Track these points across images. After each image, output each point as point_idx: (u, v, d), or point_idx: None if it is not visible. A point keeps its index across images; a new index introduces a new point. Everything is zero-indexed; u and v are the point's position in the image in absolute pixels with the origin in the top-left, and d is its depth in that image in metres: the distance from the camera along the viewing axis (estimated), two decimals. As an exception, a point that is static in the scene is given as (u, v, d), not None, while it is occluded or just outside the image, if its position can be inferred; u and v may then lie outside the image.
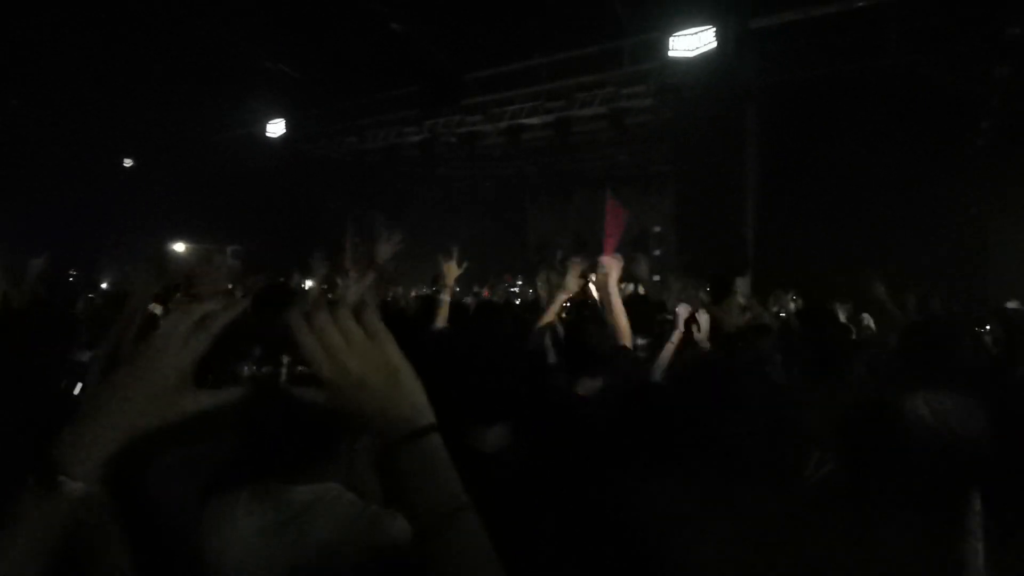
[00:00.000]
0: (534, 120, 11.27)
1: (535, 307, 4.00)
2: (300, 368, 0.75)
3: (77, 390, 2.31)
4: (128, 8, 8.96)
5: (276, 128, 12.40)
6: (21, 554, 0.65)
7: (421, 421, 0.75)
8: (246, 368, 0.77)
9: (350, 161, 13.85)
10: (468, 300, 9.40)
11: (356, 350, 0.74)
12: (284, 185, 13.10)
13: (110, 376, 0.73)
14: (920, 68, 8.62)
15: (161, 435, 0.73)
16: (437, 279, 3.98)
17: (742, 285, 8.78)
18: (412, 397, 0.76)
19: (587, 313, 3.47)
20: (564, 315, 3.84)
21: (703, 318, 3.17)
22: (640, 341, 3.58)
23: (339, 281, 3.62)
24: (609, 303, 2.89)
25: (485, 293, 10.19)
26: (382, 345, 0.76)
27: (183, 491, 1.49)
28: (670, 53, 8.54)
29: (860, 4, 7.96)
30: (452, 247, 3.99)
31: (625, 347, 2.76)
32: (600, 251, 15.82)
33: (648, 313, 3.61)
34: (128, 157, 13.60)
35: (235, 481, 1.36)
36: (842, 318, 5.85)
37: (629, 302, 3.94)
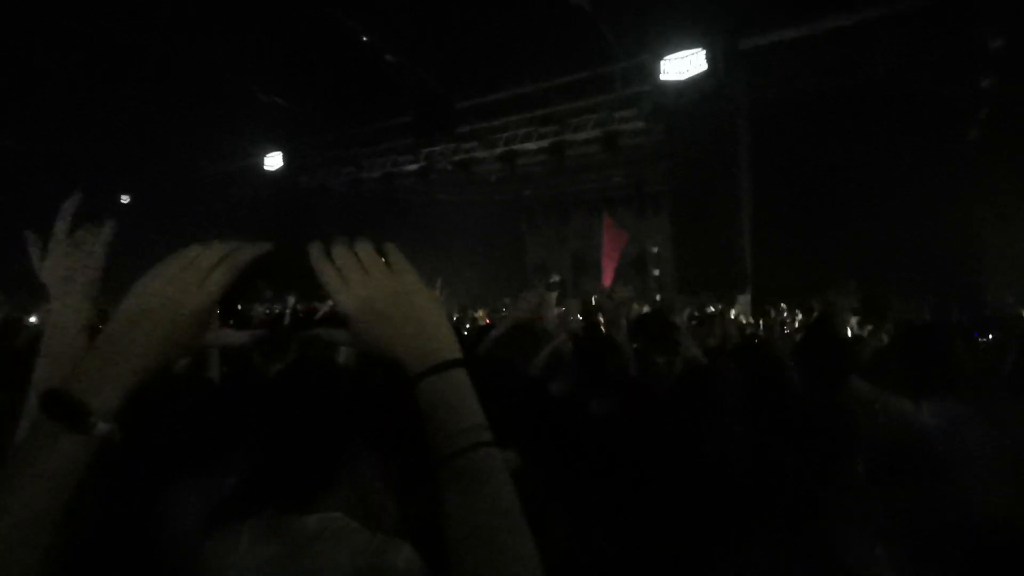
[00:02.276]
0: (529, 145, 11.38)
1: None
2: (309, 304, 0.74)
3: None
4: (124, 44, 9.10)
5: (274, 161, 12.52)
6: (41, 492, 0.61)
7: (444, 355, 0.72)
8: (263, 309, 0.75)
9: (348, 191, 13.95)
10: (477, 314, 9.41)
11: (377, 281, 0.72)
12: (283, 217, 13.18)
13: (128, 311, 0.68)
14: (908, 81, 8.75)
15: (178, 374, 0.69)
16: None
17: (743, 301, 8.79)
18: (435, 331, 0.73)
19: (600, 335, 3.45)
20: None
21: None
22: (659, 359, 3.57)
23: (317, 305, 3.63)
24: (618, 331, 2.89)
25: (485, 319, 10.17)
26: (403, 277, 0.74)
27: (190, 519, 1.48)
28: (661, 76, 8.67)
29: (847, 21, 8.11)
30: (436, 278, 4.02)
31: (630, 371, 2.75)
32: (599, 272, 15.90)
33: (663, 332, 3.59)
34: (125, 193, 13.69)
35: (240, 510, 1.35)
36: (851, 330, 5.85)
37: (644, 321, 3.94)
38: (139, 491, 1.68)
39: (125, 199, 13.73)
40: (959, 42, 8.16)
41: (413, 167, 12.74)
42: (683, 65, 8.43)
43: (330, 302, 0.76)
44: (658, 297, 12.43)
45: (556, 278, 14.41)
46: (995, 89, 8.65)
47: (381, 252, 0.74)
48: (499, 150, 11.61)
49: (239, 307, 0.77)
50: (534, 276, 17.04)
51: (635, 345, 3.57)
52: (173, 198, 12.87)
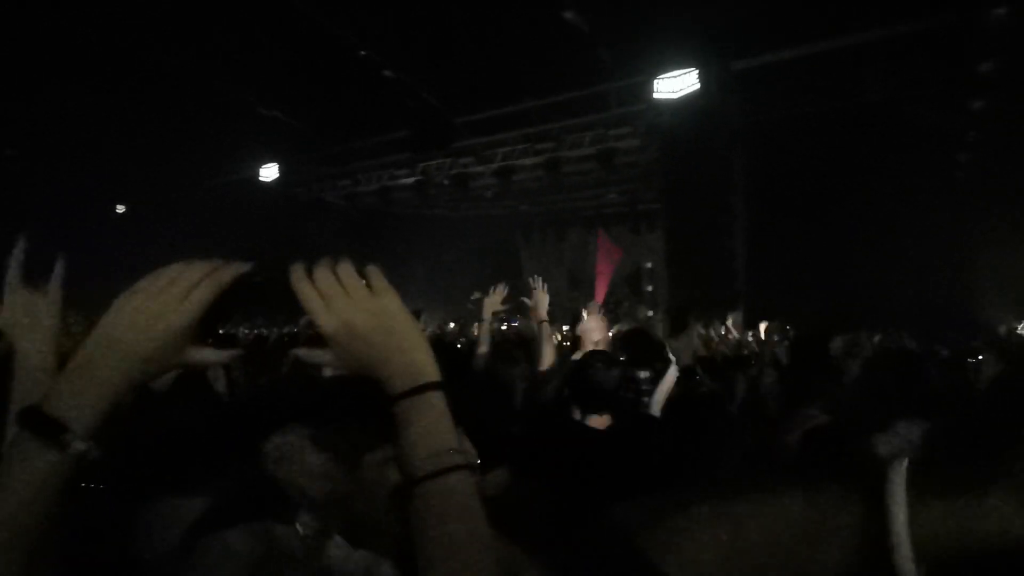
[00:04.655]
0: (525, 161, 11.46)
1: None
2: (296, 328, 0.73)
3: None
4: (123, 54, 9.15)
5: (270, 172, 12.56)
6: (18, 509, 0.60)
7: (421, 378, 0.72)
8: (242, 331, 0.75)
9: (344, 204, 13.99)
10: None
11: (357, 303, 0.72)
12: (278, 230, 13.18)
13: (107, 328, 0.68)
14: (899, 105, 8.87)
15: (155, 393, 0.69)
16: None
17: (734, 319, 8.82)
18: (413, 353, 0.73)
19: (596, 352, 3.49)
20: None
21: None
22: (643, 375, 3.59)
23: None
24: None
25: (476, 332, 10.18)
26: (384, 300, 0.74)
27: (168, 538, 1.49)
28: (655, 95, 8.76)
29: (839, 45, 8.22)
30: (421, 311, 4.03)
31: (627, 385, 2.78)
32: (592, 288, 15.92)
33: (649, 348, 3.62)
34: (121, 203, 13.69)
35: (224, 524, 1.36)
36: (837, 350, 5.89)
37: (631, 337, 3.97)
38: (120, 508, 1.68)
39: (120, 209, 13.73)
40: (950, 66, 8.28)
41: (409, 181, 12.80)
42: (675, 84, 8.53)
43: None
44: (650, 313, 12.47)
45: (478, 295, 14.46)
46: (985, 112, 8.77)
47: (362, 274, 0.74)
48: (495, 165, 11.69)
49: (221, 328, 0.76)
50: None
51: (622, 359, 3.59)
52: (169, 208, 12.87)
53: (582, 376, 2.46)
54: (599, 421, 2.37)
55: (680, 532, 0.58)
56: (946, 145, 10.07)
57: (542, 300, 3.42)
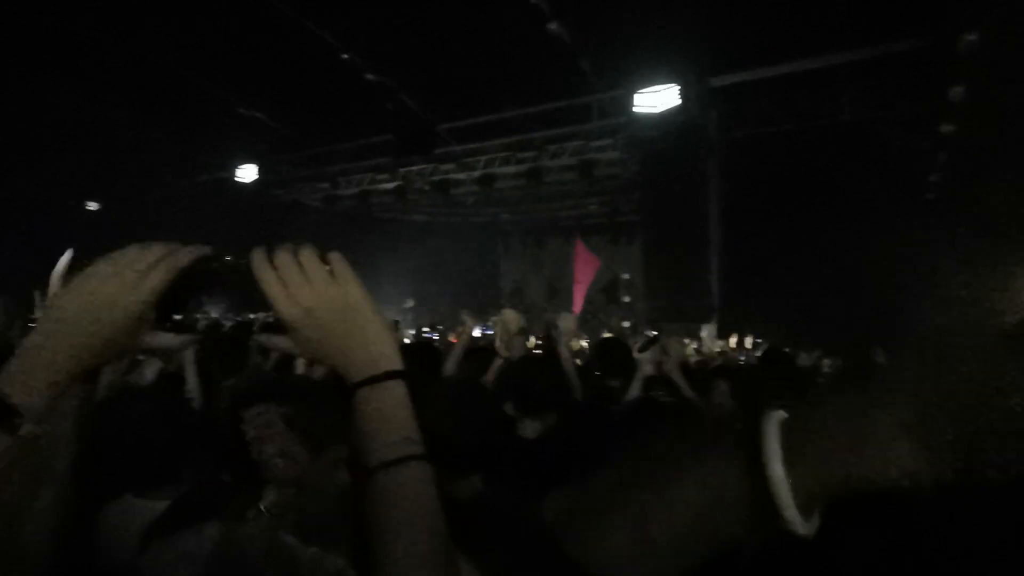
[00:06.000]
0: (506, 169, 11.50)
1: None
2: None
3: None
4: (103, 48, 9.01)
5: (248, 173, 12.42)
6: None
7: (382, 366, 0.71)
8: (199, 316, 0.74)
9: (322, 207, 13.90)
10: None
11: (318, 289, 0.70)
12: (255, 231, 13.02)
13: (61, 309, 0.67)
14: (872, 126, 9.08)
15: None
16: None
17: (708, 331, 8.93)
18: (375, 341, 0.72)
19: (532, 356, 3.50)
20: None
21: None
22: (613, 383, 3.61)
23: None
24: (559, 355, 2.96)
25: (453, 339, 10.13)
26: (346, 287, 0.72)
27: (130, 535, 1.46)
28: (635, 109, 8.87)
29: (815, 65, 8.40)
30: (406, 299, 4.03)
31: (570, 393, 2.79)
32: (571, 298, 15.99)
33: (621, 356, 3.64)
34: (94, 200, 13.42)
35: (182, 523, 1.34)
36: (807, 363, 5.99)
37: (604, 346, 4.00)
38: (86, 504, 1.64)
39: (93, 206, 13.45)
40: (922, 89, 8.51)
41: (390, 186, 12.76)
42: (656, 99, 8.64)
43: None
44: (626, 324, 12.55)
45: (411, 303, 14.50)
46: (954, 135, 9.00)
47: (324, 260, 0.73)
48: (477, 173, 11.71)
49: (177, 312, 0.75)
50: (508, 300, 17.08)
51: (596, 371, 3.61)
52: (142, 207, 12.65)
53: (515, 378, 2.45)
54: (533, 427, 2.32)
55: (594, 526, 0.57)
56: (919, 166, 10.30)
57: (506, 321, 3.42)
